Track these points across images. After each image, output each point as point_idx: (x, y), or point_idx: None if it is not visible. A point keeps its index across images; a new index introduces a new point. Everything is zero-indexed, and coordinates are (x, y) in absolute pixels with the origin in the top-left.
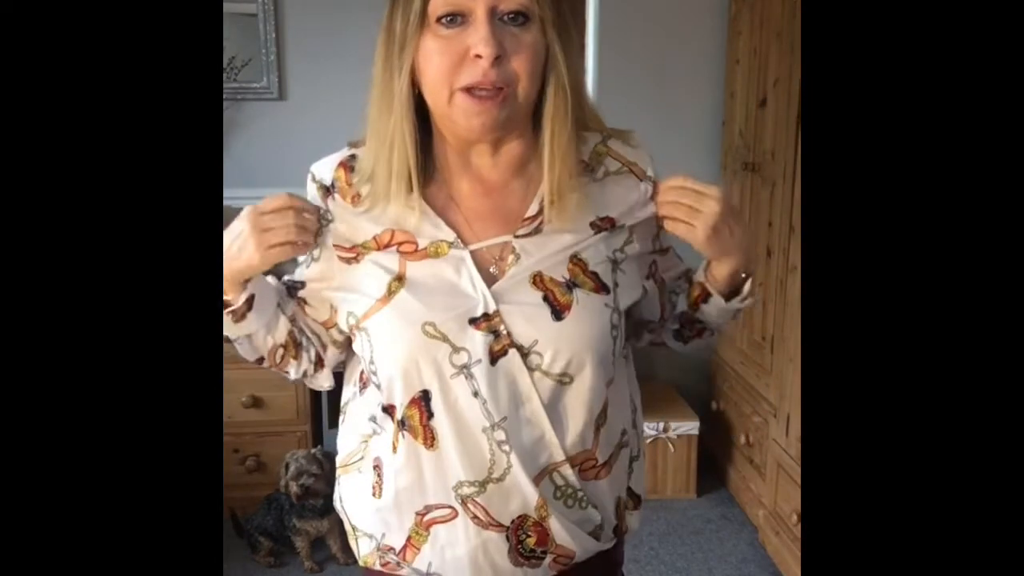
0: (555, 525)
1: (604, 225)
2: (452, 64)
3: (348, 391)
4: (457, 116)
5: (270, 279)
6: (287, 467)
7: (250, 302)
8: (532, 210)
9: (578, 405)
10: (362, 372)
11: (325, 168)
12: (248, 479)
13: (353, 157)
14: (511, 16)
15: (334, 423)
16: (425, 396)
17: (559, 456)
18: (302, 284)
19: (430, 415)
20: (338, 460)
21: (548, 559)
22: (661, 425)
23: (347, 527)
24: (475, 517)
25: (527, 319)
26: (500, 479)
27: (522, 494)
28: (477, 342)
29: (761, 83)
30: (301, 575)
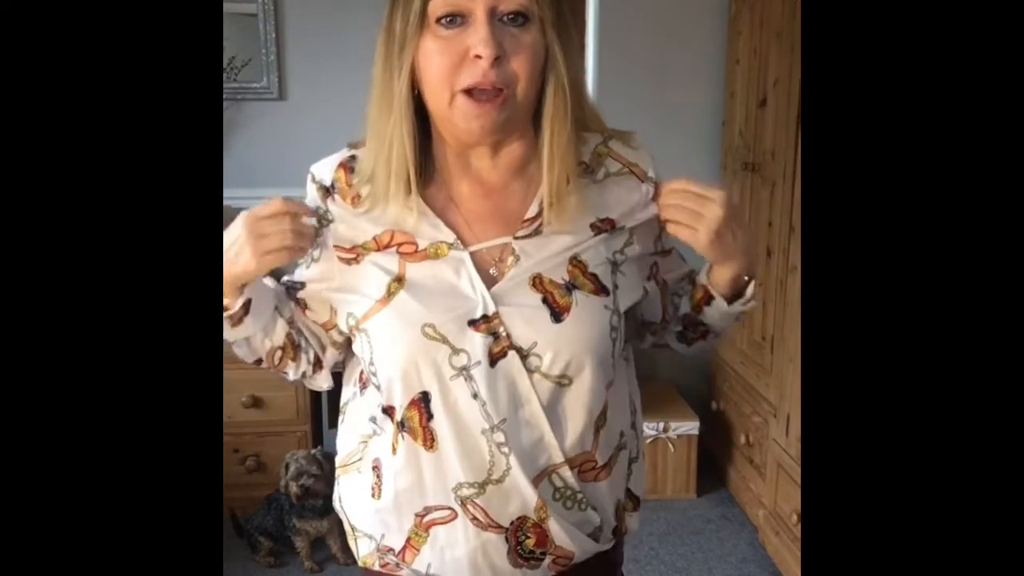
0: (554, 526)
1: (604, 227)
2: (452, 65)
3: (347, 392)
4: (457, 118)
5: (267, 281)
6: (287, 467)
7: (247, 306)
8: (532, 211)
9: (577, 407)
10: (361, 373)
11: (325, 169)
12: (248, 479)
13: (353, 158)
14: (511, 17)
15: (334, 423)
16: (425, 398)
17: (558, 458)
18: (301, 285)
19: (430, 416)
20: (337, 460)
21: (547, 560)
22: (661, 425)
23: (346, 527)
24: (474, 518)
25: (526, 321)
26: (499, 480)
27: (521, 495)
28: (477, 344)
29: (761, 83)
30: (301, 575)
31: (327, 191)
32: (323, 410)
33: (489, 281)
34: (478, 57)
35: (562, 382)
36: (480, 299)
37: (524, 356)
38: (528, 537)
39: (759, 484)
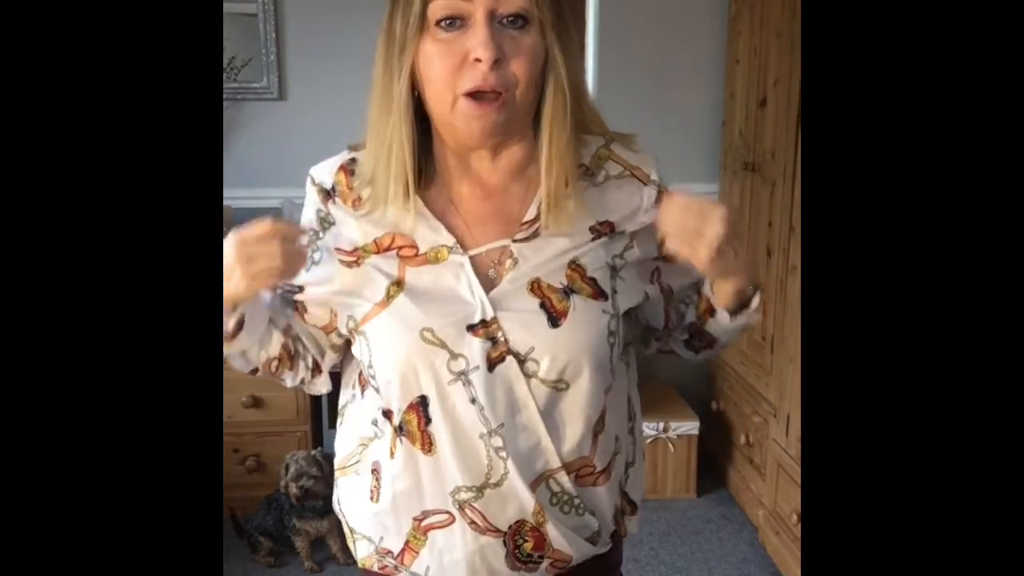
0: (552, 531)
1: (603, 230)
2: (452, 68)
3: (345, 394)
4: (458, 121)
5: (263, 292)
6: (287, 468)
7: (240, 323)
8: (530, 214)
9: (575, 411)
10: (360, 375)
11: (325, 171)
12: (248, 479)
13: (353, 160)
14: (510, 19)
15: (334, 424)
16: (423, 402)
17: (555, 463)
18: (300, 289)
19: (428, 420)
20: (336, 462)
21: (545, 563)
22: (661, 425)
23: (345, 529)
24: (472, 522)
25: (524, 326)
26: (497, 484)
27: (519, 500)
28: (475, 349)
29: (761, 83)
30: (301, 575)
31: (328, 193)
32: (323, 410)
33: (488, 284)
34: (478, 60)
35: (559, 387)
36: (479, 304)
37: (522, 361)
38: (526, 541)
39: (759, 484)
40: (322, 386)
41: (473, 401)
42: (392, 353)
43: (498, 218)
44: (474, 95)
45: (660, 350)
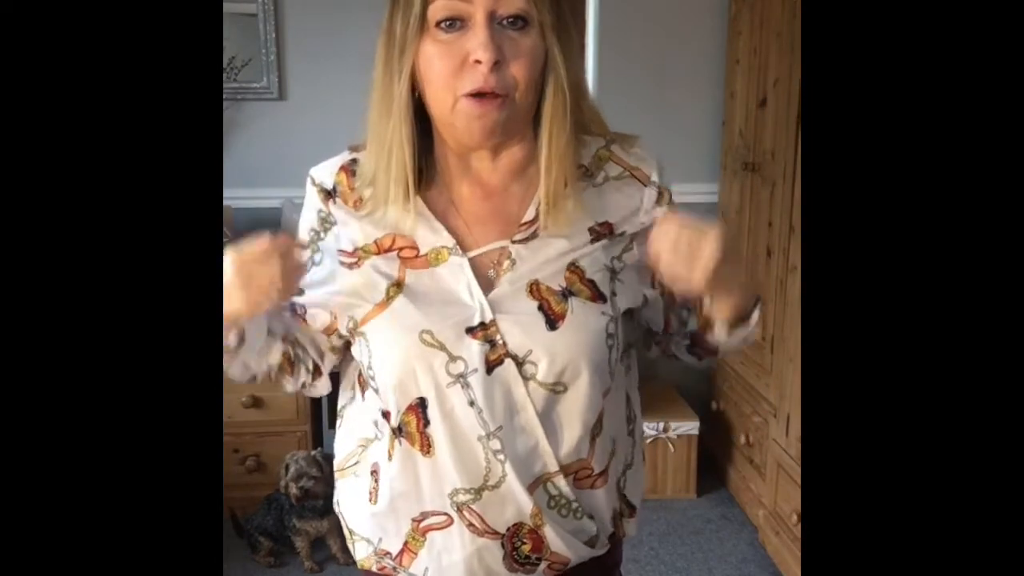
0: (550, 533)
1: (602, 231)
2: (452, 69)
3: (345, 395)
4: (458, 121)
5: None
6: (287, 468)
7: (241, 336)
8: (529, 215)
9: (573, 414)
10: (359, 376)
11: (325, 172)
12: (248, 479)
13: (354, 161)
14: (510, 20)
15: (334, 424)
16: (422, 403)
17: (553, 466)
18: (300, 292)
19: (426, 422)
20: (336, 464)
21: (543, 565)
22: (661, 425)
23: (345, 530)
24: (470, 524)
25: (522, 329)
26: (495, 487)
27: (517, 502)
28: (474, 351)
29: (761, 83)
30: (301, 575)
31: (329, 194)
32: (323, 411)
33: (487, 285)
34: (477, 62)
35: (556, 389)
36: (478, 306)
37: (520, 364)
38: (524, 543)
39: (759, 484)
40: (322, 388)
41: (471, 404)
42: (391, 355)
43: (498, 219)
44: (474, 95)
45: (664, 353)
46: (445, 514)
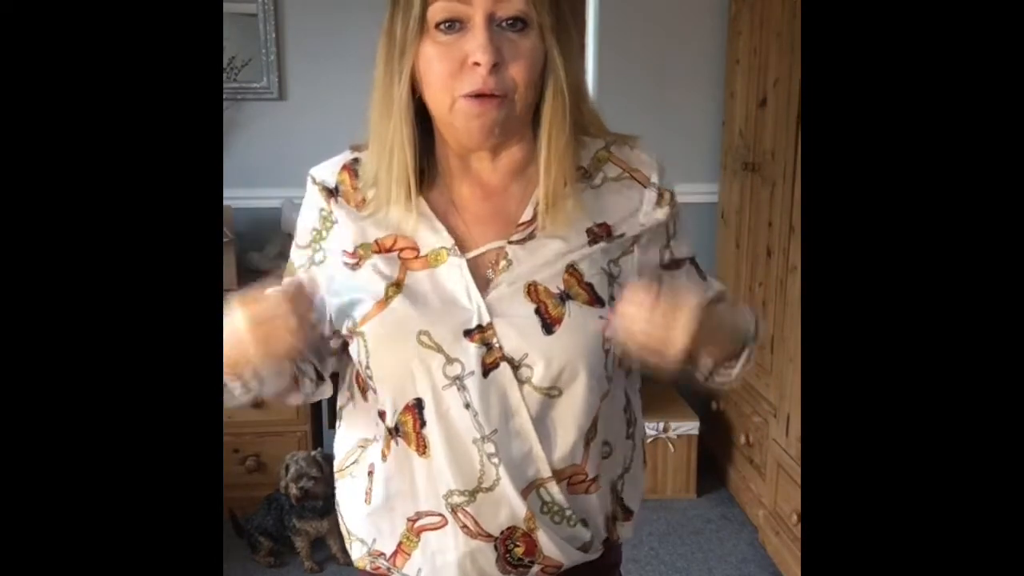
0: (543, 537)
1: (600, 232)
2: (451, 71)
3: (343, 396)
4: (458, 121)
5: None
6: (287, 469)
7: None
8: (526, 215)
9: (567, 419)
10: (359, 377)
11: (327, 171)
12: (248, 479)
13: (356, 160)
14: (509, 22)
15: (334, 424)
16: (419, 404)
17: (546, 472)
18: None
19: (423, 423)
20: (335, 464)
21: (536, 568)
22: (661, 425)
23: (343, 530)
24: (464, 526)
25: (519, 332)
26: (489, 490)
27: (510, 506)
28: (470, 354)
29: (761, 83)
30: (301, 575)
31: (331, 192)
32: (323, 411)
33: (485, 285)
34: (476, 64)
35: (551, 393)
36: (475, 308)
37: (515, 367)
38: (517, 546)
39: (759, 484)
40: (325, 392)
41: (467, 406)
42: (388, 355)
43: (497, 219)
44: (472, 96)
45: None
46: (440, 515)
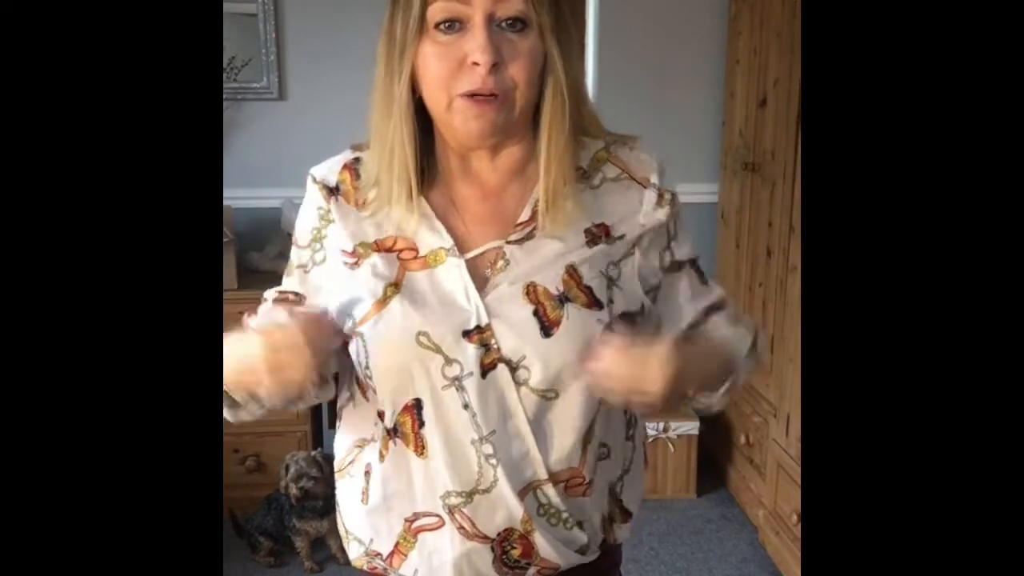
0: (540, 540)
1: (599, 233)
2: (450, 71)
3: (343, 396)
4: (456, 121)
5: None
6: (287, 469)
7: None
8: (525, 215)
9: (564, 421)
10: (358, 377)
11: (328, 170)
12: (248, 479)
13: (357, 160)
14: (509, 22)
15: (334, 424)
16: (418, 404)
17: (543, 474)
18: (299, 298)
19: (421, 424)
20: (335, 464)
21: (532, 570)
22: (661, 425)
23: (341, 530)
24: (461, 527)
25: (516, 334)
26: (486, 491)
27: (507, 508)
28: (469, 355)
29: (761, 83)
30: (301, 575)
31: (331, 191)
32: (323, 411)
33: (484, 285)
34: (475, 64)
35: (548, 395)
36: (474, 309)
37: (513, 369)
38: (514, 547)
39: (759, 484)
40: (329, 393)
41: (466, 407)
42: (387, 356)
43: (496, 219)
44: (471, 96)
45: None
46: (437, 515)
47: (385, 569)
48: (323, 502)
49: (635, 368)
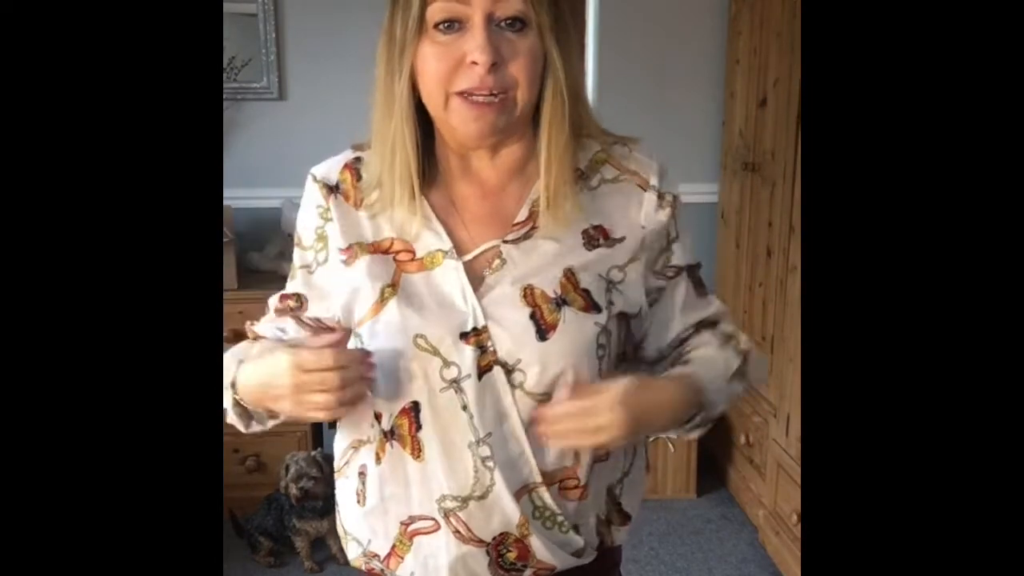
0: (536, 543)
1: (596, 235)
2: (448, 70)
3: None
4: (454, 121)
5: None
6: (287, 469)
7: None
8: (522, 215)
9: None
10: None
11: (328, 169)
12: (248, 479)
13: (358, 159)
14: (508, 22)
15: (334, 424)
16: (415, 407)
17: (536, 477)
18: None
19: (419, 426)
20: (335, 464)
21: (528, 572)
22: None
23: (340, 531)
24: (456, 531)
25: (512, 337)
26: (482, 497)
27: (504, 512)
28: (467, 357)
29: (761, 83)
30: (301, 575)
31: (331, 190)
32: None
33: (481, 285)
34: (474, 63)
35: (543, 399)
36: (471, 311)
37: (509, 371)
38: (509, 551)
39: (759, 484)
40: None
41: (464, 408)
42: (385, 358)
43: (495, 218)
44: (466, 95)
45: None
46: (432, 519)
47: (382, 571)
48: (323, 502)
49: (584, 422)
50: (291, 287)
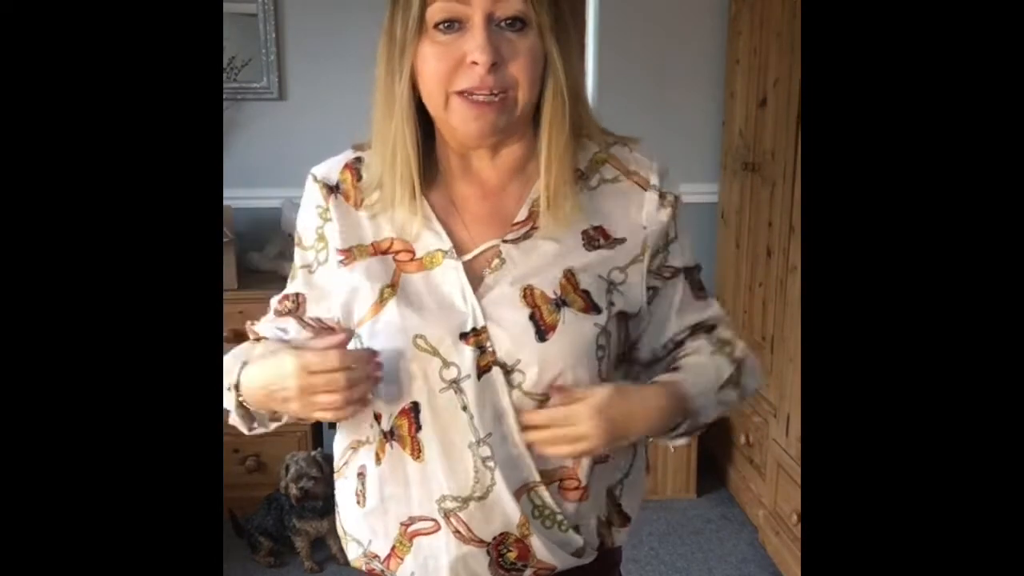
0: (536, 543)
1: (596, 236)
2: (448, 70)
3: None
4: (454, 120)
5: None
6: (287, 469)
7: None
8: (522, 215)
9: None
10: None
11: (329, 169)
12: (248, 479)
13: (359, 160)
14: (508, 22)
15: (333, 424)
16: (415, 407)
17: (535, 476)
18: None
19: (419, 427)
20: (335, 464)
21: (528, 572)
22: None
23: (340, 531)
24: (456, 532)
25: (512, 338)
26: (482, 497)
27: (504, 512)
28: (467, 357)
29: (761, 83)
30: (301, 575)
31: (331, 189)
32: None
33: (481, 285)
34: (474, 63)
35: (542, 400)
36: (471, 311)
37: (508, 372)
38: (510, 551)
39: (759, 484)
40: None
41: (464, 408)
42: (384, 358)
43: (495, 218)
44: (466, 94)
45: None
46: (432, 519)
47: (383, 571)
48: (323, 502)
49: (566, 426)
50: (292, 287)
